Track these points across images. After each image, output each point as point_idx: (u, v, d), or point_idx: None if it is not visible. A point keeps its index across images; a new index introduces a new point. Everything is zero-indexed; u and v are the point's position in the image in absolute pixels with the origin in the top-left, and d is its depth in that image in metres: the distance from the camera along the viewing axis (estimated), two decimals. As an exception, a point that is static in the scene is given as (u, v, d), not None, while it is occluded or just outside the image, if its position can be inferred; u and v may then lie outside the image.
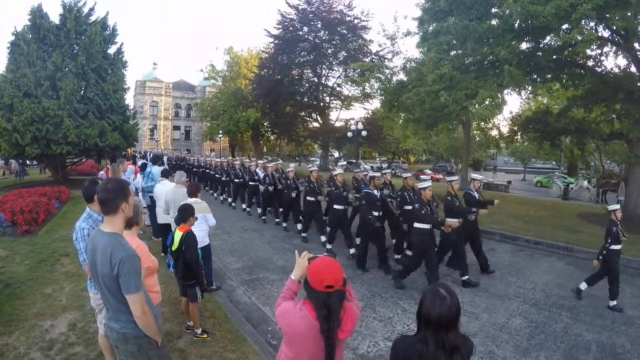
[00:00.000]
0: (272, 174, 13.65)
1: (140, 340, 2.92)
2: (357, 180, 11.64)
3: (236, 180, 16.29)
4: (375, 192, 9.02)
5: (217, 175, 19.02)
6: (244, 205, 15.96)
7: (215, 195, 19.63)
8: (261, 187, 14.34)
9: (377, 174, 10.13)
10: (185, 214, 5.32)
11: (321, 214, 11.56)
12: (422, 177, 10.57)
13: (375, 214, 8.64)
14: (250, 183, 15.33)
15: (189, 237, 5.17)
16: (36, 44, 20.65)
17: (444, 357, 2.16)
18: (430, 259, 7.50)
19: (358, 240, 9.74)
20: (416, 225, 7.60)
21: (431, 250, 7.60)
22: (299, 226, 12.20)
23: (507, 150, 48.78)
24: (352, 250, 9.85)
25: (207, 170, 21.11)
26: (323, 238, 10.97)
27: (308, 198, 11.22)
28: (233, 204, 17.07)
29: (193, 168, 24.66)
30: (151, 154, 30.23)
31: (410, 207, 8.66)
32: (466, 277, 8.03)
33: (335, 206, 10.04)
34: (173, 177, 8.63)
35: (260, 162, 17.27)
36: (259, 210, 14.89)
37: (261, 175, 14.47)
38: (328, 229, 10.66)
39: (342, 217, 10.14)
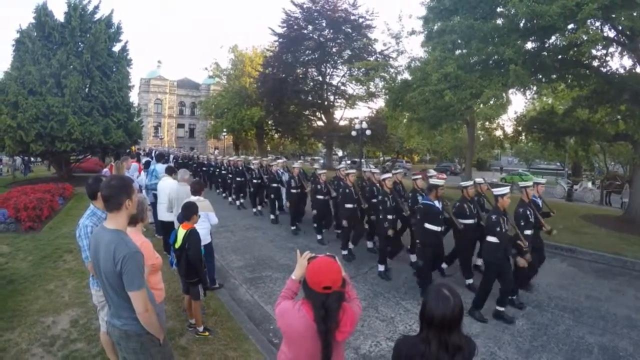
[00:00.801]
0: (298, 176, 12.69)
1: (142, 338, 2.92)
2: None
3: (254, 181, 15.12)
4: (437, 203, 7.57)
5: (229, 175, 17.58)
6: (253, 209, 15.25)
7: (231, 199, 17.62)
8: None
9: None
10: (189, 211, 5.31)
11: (361, 222, 10.58)
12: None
13: (437, 229, 7.47)
14: (272, 185, 13.79)
15: (192, 235, 5.17)
16: (41, 42, 20.70)
17: (446, 358, 2.15)
18: (506, 278, 6.45)
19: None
20: (490, 239, 6.57)
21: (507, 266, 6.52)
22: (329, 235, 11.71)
23: (511, 151, 48.68)
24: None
25: (219, 170, 19.71)
26: (370, 244, 10.49)
27: (347, 205, 9.83)
28: (238, 202, 16.44)
29: (202, 167, 23.76)
30: (156, 152, 30.09)
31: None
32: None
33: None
34: (177, 175, 8.65)
35: (280, 161, 15.59)
36: (272, 216, 13.76)
37: (285, 177, 13.59)
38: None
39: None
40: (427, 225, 7.43)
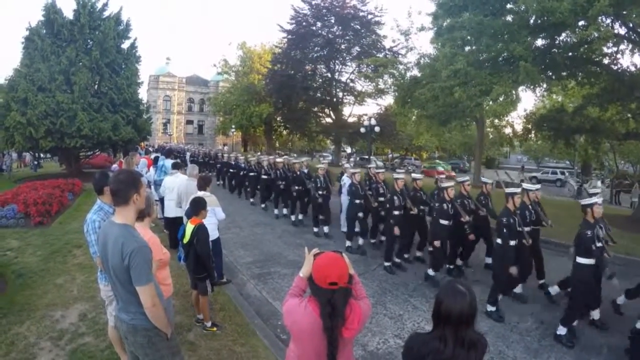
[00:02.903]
0: (360, 184, 10.38)
1: (150, 332, 2.90)
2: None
3: (297, 187, 12.61)
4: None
5: (280, 182, 13.64)
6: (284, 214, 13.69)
7: (277, 211, 14.00)
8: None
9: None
10: (198, 206, 5.31)
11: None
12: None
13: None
14: (298, 187, 12.36)
15: (201, 230, 5.17)
16: (50, 39, 20.88)
17: (462, 354, 2.13)
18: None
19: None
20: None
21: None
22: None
23: (520, 149, 48.43)
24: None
25: (255, 174, 15.91)
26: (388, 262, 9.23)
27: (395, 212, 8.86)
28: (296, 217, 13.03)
29: (228, 169, 19.42)
30: (167, 148, 29.50)
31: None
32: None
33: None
34: (185, 170, 8.68)
35: (304, 159, 14.09)
36: (316, 230, 11.74)
37: (347, 183, 10.82)
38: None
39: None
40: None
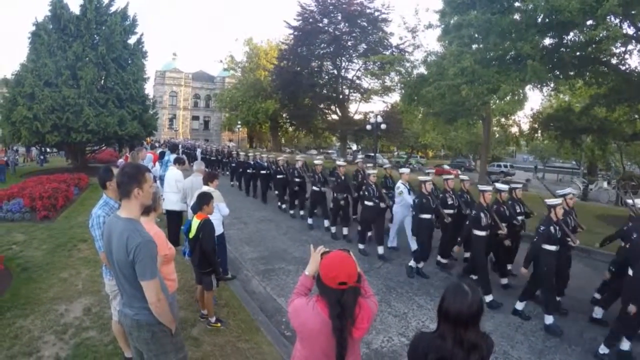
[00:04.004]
0: (432, 194, 8.66)
1: (154, 327, 2.89)
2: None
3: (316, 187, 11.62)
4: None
5: (318, 187, 11.69)
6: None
7: (311, 221, 12.04)
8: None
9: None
10: (204, 201, 5.29)
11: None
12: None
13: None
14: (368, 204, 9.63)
15: (206, 225, 5.15)
16: (57, 34, 20.94)
17: (461, 354, 2.09)
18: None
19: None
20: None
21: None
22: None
23: (526, 148, 48.17)
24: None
25: (280, 176, 14.18)
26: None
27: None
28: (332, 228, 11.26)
29: (245, 169, 17.36)
30: (179, 145, 29.20)
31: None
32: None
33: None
34: (183, 165, 8.69)
35: (361, 163, 12.74)
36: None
37: (406, 191, 9.29)
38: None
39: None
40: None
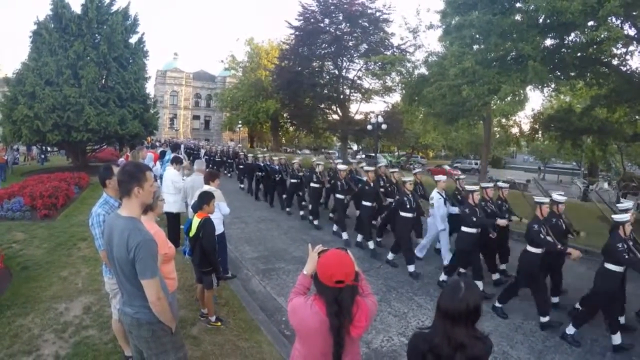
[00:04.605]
0: (478, 206, 7.79)
1: (154, 326, 2.89)
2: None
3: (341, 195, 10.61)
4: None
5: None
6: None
7: (336, 228, 11.08)
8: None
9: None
10: (204, 200, 5.29)
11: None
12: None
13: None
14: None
15: (207, 224, 5.15)
16: (58, 33, 20.95)
17: (447, 351, 2.11)
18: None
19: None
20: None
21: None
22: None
23: (527, 149, 48.21)
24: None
25: (295, 180, 13.18)
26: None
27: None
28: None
29: (256, 171, 15.71)
30: (181, 144, 28.97)
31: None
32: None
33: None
34: (179, 166, 8.66)
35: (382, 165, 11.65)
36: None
37: (442, 202, 8.66)
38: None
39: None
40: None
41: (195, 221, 5.22)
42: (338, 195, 10.68)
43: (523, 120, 30.98)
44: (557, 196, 7.26)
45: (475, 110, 16.68)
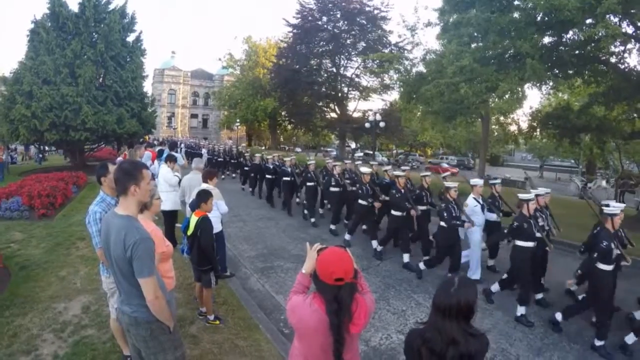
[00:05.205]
0: (534, 216, 6.95)
1: (152, 325, 2.89)
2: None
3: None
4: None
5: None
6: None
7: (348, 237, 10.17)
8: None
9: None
10: (202, 198, 5.29)
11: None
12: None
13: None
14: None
15: (205, 222, 5.15)
16: (55, 32, 20.87)
17: (440, 345, 2.13)
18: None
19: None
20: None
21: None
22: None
23: (525, 147, 48.18)
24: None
25: (311, 183, 12.50)
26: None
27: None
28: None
29: (262, 173, 15.41)
30: (181, 143, 28.80)
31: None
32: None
33: (360, 201, 9.58)
34: (173, 164, 8.65)
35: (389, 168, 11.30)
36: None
37: (478, 208, 8.10)
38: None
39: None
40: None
41: (193, 219, 5.21)
42: (361, 201, 9.62)
43: (521, 118, 31.05)
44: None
45: (473, 108, 16.63)
